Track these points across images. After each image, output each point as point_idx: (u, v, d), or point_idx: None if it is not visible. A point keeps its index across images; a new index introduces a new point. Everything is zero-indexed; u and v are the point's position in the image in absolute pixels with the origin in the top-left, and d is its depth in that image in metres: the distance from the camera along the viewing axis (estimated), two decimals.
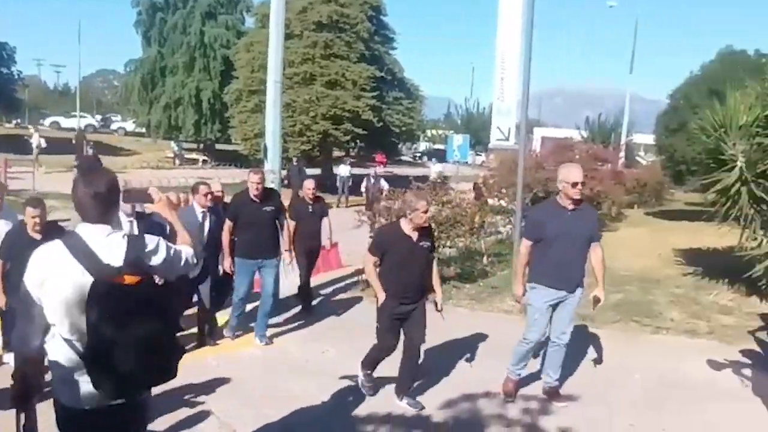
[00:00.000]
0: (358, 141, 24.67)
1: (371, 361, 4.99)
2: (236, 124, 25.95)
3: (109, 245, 2.42)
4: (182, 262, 2.67)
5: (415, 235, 4.72)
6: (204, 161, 34.47)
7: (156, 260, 2.52)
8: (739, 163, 7.80)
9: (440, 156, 31.95)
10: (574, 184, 4.63)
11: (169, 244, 2.64)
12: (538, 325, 4.86)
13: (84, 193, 2.43)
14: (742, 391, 5.36)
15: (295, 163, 21.20)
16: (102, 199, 2.44)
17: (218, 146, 37.39)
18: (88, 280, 2.32)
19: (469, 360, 5.94)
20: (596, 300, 4.80)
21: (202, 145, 38.06)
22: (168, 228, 5.41)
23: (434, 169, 23.75)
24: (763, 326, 7.19)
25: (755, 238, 7.90)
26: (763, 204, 7.73)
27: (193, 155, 35.77)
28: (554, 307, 4.84)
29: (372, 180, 19.15)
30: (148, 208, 2.81)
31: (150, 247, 2.52)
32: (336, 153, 27.23)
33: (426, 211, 4.73)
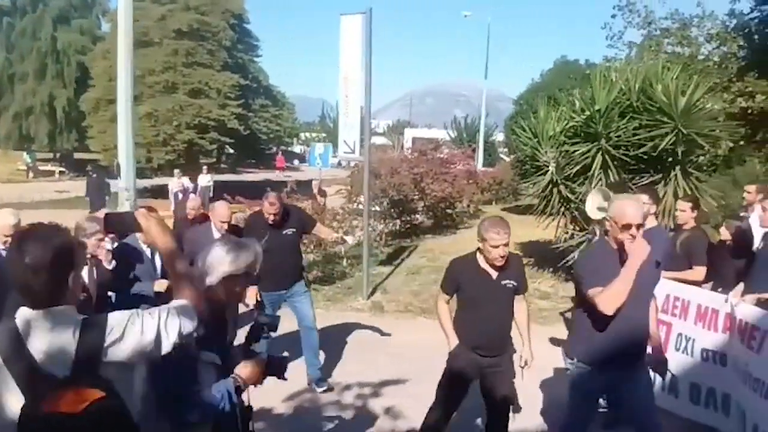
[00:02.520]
0: (225, 149, 24.71)
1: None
2: (95, 134, 25.02)
3: (54, 343, 1.69)
4: (174, 337, 1.85)
5: (494, 272, 3.97)
6: (61, 172, 32.70)
7: (123, 352, 1.76)
8: (550, 168, 9.04)
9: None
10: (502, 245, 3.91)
11: (151, 313, 1.85)
12: None
13: (19, 265, 1.71)
14: (546, 367, 6.37)
15: (93, 174, 17.69)
16: (46, 273, 1.71)
17: (77, 155, 35.55)
18: (16, 405, 1.65)
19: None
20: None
21: (58, 155, 36.02)
22: (154, 255, 4.86)
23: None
24: (572, 308, 8.44)
25: (566, 232, 9.19)
26: (571, 203, 9.00)
27: (49, 167, 33.81)
28: None
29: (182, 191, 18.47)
30: (142, 239, 2.34)
31: (114, 334, 1.74)
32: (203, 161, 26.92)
33: (501, 245, 3.83)
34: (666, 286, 5.21)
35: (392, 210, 14.64)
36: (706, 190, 8.66)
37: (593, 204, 4.96)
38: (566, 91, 9.97)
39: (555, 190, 9.06)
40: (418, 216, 16.30)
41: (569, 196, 8.91)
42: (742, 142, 14.75)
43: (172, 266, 2.05)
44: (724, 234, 5.35)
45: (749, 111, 14.01)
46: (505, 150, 37.11)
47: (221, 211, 5.51)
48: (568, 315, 8.07)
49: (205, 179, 21.31)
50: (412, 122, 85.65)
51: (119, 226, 2.31)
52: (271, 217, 5.48)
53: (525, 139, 9.51)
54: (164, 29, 23.45)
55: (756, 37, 15.75)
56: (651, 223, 5.07)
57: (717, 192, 9.03)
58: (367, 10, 8.93)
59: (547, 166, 9.06)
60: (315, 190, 11.08)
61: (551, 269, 10.26)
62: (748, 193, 6.33)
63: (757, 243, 4.97)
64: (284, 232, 5.60)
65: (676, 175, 8.41)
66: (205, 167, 21.64)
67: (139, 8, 23.35)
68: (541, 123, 9.26)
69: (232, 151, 25.44)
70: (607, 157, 8.60)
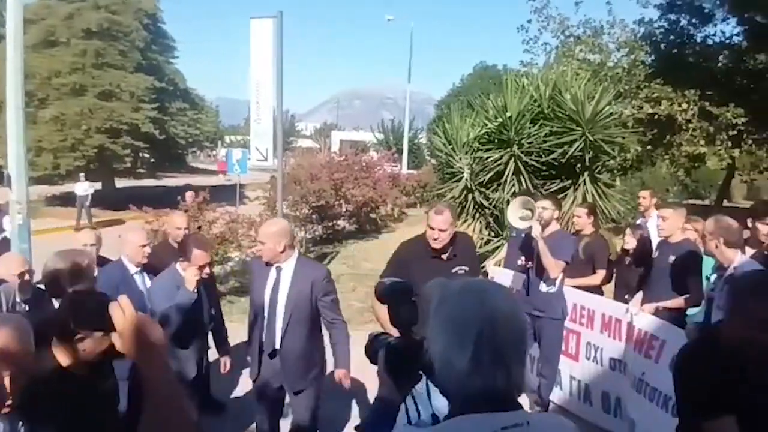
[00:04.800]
0: (141, 154, 23.70)
1: None
2: None
3: None
4: None
5: (445, 258, 4.03)
6: None
7: None
8: (465, 175, 9.05)
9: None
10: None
11: None
12: None
13: None
14: None
15: None
16: None
17: None
18: None
19: None
20: None
21: None
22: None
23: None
24: None
25: (482, 237, 9.22)
26: (486, 209, 9.04)
27: None
28: None
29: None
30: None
31: None
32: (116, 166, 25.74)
33: (437, 229, 3.91)
34: (572, 296, 5.26)
35: (313, 216, 14.40)
36: (614, 195, 8.88)
37: (514, 213, 4.92)
38: (484, 96, 10.01)
39: (470, 197, 9.07)
40: (340, 221, 16.12)
41: (483, 202, 8.95)
42: (650, 147, 15.41)
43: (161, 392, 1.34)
44: (629, 241, 5.43)
45: (656, 116, 14.61)
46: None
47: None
48: None
49: (82, 187, 19.36)
50: (340, 125, 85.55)
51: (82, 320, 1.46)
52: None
53: (440, 145, 9.49)
54: (72, 28, 22.16)
55: (662, 45, 16.50)
56: (554, 227, 5.12)
57: (623, 196, 9.28)
58: (278, 14, 8.66)
59: (462, 173, 9.07)
60: (189, 200, 9.61)
61: None
62: (643, 198, 6.48)
63: (654, 251, 5.07)
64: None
65: (584, 180, 8.58)
66: (82, 174, 19.26)
67: (45, 6, 22.15)
68: (456, 129, 9.26)
69: (148, 155, 24.39)
70: (519, 163, 8.68)
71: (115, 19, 22.45)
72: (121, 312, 1.31)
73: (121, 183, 25.63)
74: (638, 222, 6.03)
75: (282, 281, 3.79)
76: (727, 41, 16.92)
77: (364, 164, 16.51)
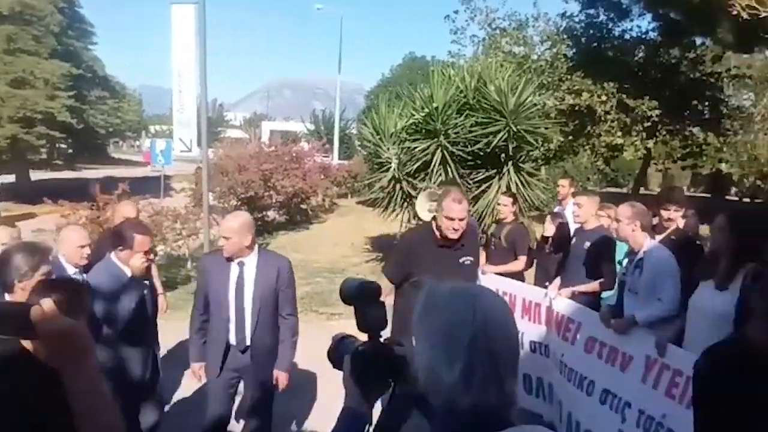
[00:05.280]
0: (57, 144, 22.60)
1: None
2: None
3: None
4: None
5: (452, 248, 3.92)
6: None
7: None
8: (392, 165, 9.10)
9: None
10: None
11: None
12: None
13: None
14: None
15: None
16: None
17: None
18: None
19: None
20: None
21: None
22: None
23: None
24: None
25: (410, 227, 9.31)
26: (413, 198, 9.12)
27: None
28: None
29: None
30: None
31: None
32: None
33: (457, 219, 3.81)
34: (494, 282, 5.38)
35: (242, 207, 14.14)
36: (537, 184, 9.15)
37: (423, 206, 5.01)
38: (412, 87, 10.08)
39: (398, 186, 9.15)
40: (270, 213, 15.91)
41: (411, 191, 9.03)
42: (572, 137, 15.96)
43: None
44: (548, 228, 5.61)
45: (577, 108, 15.14)
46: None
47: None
48: None
49: None
50: (270, 115, 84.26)
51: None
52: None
53: (368, 136, 9.50)
54: None
55: (582, 39, 17.07)
56: None
57: (546, 185, 9.57)
58: (200, 0, 8.42)
59: (390, 163, 9.12)
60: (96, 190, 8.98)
61: None
62: (562, 187, 6.71)
63: (572, 238, 5.26)
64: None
65: (508, 169, 8.80)
66: None
67: None
68: (383, 120, 9.29)
69: (65, 146, 23.27)
70: (445, 153, 8.81)
71: (28, 2, 21.24)
72: (44, 317, 1.16)
73: (36, 175, 24.38)
74: (557, 210, 6.25)
75: (246, 276, 3.71)
76: (643, 36, 17.70)
77: (294, 155, 16.32)
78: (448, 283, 1.33)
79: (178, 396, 5.54)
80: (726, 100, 16.49)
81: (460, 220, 3.81)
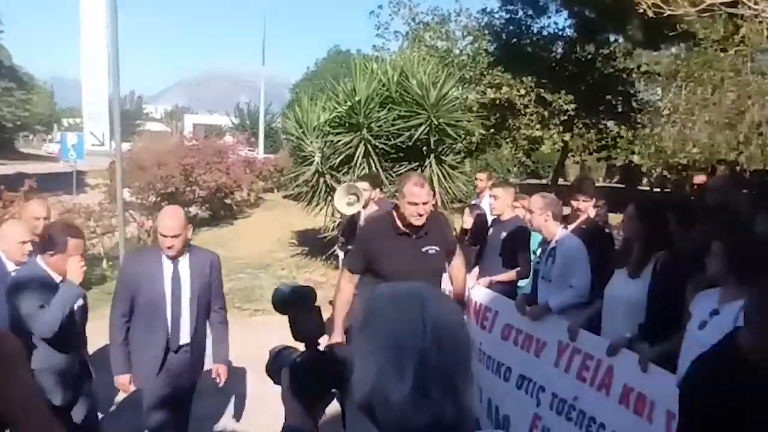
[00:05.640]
0: None
1: None
2: None
3: None
4: None
5: (414, 236, 3.67)
6: None
7: None
8: (316, 158, 9.04)
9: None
10: None
11: None
12: None
13: None
14: None
15: None
16: None
17: None
18: None
19: None
20: None
21: None
22: None
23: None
24: None
25: (334, 221, 9.29)
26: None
27: None
28: None
29: None
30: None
31: None
32: None
33: (421, 203, 3.59)
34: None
35: (162, 203, 13.69)
36: (459, 176, 9.31)
37: (341, 200, 4.99)
38: (339, 80, 10.02)
39: (321, 180, 9.10)
40: (192, 208, 15.48)
41: (335, 185, 8.99)
42: (493, 130, 16.34)
43: None
44: (466, 220, 5.71)
45: (497, 101, 15.51)
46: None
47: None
48: None
49: None
50: (193, 108, 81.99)
51: None
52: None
53: (291, 129, 9.40)
54: None
55: (503, 34, 17.49)
56: (372, 208, 5.30)
57: (468, 177, 9.75)
58: None
59: (313, 156, 9.05)
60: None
61: (323, 258, 10.33)
62: (480, 180, 6.86)
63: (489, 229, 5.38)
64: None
65: (431, 162, 8.91)
66: None
67: None
68: (306, 113, 9.21)
69: None
70: (369, 146, 8.84)
71: None
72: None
73: None
74: (474, 202, 6.37)
75: (182, 273, 3.62)
76: (560, 33, 18.33)
77: (216, 149, 15.93)
78: (391, 287, 1.20)
79: (108, 398, 5.34)
80: (637, 95, 17.30)
81: (424, 204, 3.62)
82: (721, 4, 7.80)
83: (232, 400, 5.25)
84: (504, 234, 5.00)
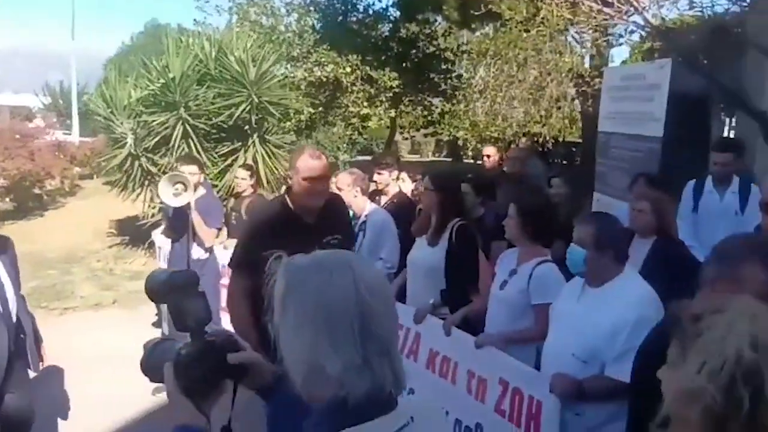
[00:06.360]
0: None
1: None
2: None
3: None
4: None
5: (313, 224, 3.10)
6: None
7: None
8: (128, 141, 8.43)
9: None
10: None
11: None
12: None
13: None
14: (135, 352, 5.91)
15: None
16: None
17: None
18: None
19: None
20: None
21: None
22: None
23: None
24: None
25: (153, 206, 8.76)
26: (155, 176, 8.57)
27: None
28: None
29: None
30: None
31: None
32: None
33: (318, 176, 3.05)
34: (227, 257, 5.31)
35: None
36: (284, 155, 9.17)
37: (167, 192, 4.65)
38: (154, 57, 9.34)
39: (136, 163, 8.52)
40: None
41: (151, 168, 8.49)
42: (323, 108, 16.36)
43: None
44: None
45: (325, 79, 15.51)
46: None
47: None
48: None
49: None
50: None
51: None
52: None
53: (97, 109, 8.67)
54: None
55: (328, 11, 17.47)
56: (200, 192, 5.10)
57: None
58: None
59: (125, 138, 8.43)
60: None
61: (144, 247, 9.73)
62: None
63: None
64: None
65: (254, 142, 8.70)
66: None
67: None
68: (115, 91, 8.54)
69: None
70: (187, 126, 8.40)
71: None
72: None
73: None
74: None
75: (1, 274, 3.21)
76: (385, 11, 18.67)
77: (18, 132, 14.34)
78: (310, 257, 1.11)
79: None
80: (457, 72, 18.18)
81: (323, 179, 3.14)
82: None
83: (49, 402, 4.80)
84: None
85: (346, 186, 4.32)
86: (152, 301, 1.39)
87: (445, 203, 3.72)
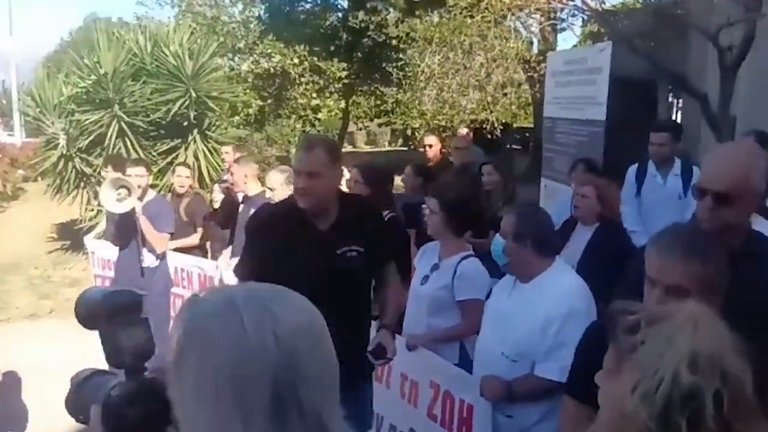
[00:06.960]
0: None
1: None
2: None
3: None
4: None
5: (327, 231, 2.54)
6: None
7: None
8: (61, 141, 8.05)
9: None
10: None
11: None
12: None
13: None
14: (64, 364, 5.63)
15: None
16: None
17: None
18: None
19: None
20: None
21: None
22: None
23: None
24: None
25: (91, 209, 8.41)
26: (91, 177, 8.22)
27: None
28: None
29: None
30: None
31: None
32: None
33: (305, 171, 2.47)
34: (174, 260, 5.13)
35: None
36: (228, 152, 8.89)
37: (110, 198, 4.34)
38: (89, 53, 8.91)
39: (70, 165, 8.14)
40: None
41: (86, 170, 8.13)
42: (272, 101, 16.05)
43: None
44: (217, 198, 5.45)
45: (272, 71, 15.21)
46: None
47: None
48: None
49: None
50: None
51: None
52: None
53: (25, 108, 8.25)
54: None
55: (274, 1, 17.11)
56: (150, 195, 4.86)
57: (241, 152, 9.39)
58: None
59: (57, 139, 8.05)
60: None
61: (84, 251, 9.34)
62: (226, 153, 6.60)
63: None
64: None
65: (194, 138, 8.41)
66: None
67: None
68: (44, 89, 8.14)
69: None
70: (122, 124, 8.06)
71: None
72: None
73: None
74: (225, 178, 6.07)
75: None
76: (333, 1, 18.40)
77: None
78: (210, 294, 0.85)
79: None
80: (407, 61, 18.05)
81: (309, 174, 2.46)
82: None
83: None
84: (252, 210, 4.80)
85: (278, 185, 4.13)
86: (86, 328, 1.10)
87: (374, 195, 3.59)
